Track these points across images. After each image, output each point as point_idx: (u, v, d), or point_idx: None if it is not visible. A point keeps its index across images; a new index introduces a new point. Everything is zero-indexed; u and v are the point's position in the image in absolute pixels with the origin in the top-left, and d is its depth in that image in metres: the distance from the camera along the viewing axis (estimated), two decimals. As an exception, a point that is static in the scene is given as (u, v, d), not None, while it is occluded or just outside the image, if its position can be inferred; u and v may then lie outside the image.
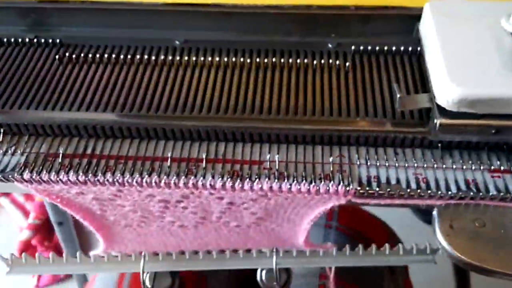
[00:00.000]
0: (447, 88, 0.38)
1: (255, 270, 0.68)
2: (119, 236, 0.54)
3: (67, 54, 0.52)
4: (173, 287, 0.59)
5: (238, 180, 0.42)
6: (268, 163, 0.44)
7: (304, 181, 0.41)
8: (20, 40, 0.54)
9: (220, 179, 0.42)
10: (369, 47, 0.51)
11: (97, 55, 0.52)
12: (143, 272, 0.60)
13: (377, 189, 0.40)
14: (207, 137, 0.46)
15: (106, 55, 0.52)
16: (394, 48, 0.51)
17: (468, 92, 0.36)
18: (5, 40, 0.54)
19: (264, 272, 0.67)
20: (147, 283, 0.58)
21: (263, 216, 0.49)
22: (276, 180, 0.42)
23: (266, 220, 0.50)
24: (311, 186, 0.41)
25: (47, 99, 0.48)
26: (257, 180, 0.42)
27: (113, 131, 0.46)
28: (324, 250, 0.59)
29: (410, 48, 0.51)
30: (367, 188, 0.40)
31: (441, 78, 0.39)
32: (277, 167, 0.43)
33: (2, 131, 0.46)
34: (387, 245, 0.51)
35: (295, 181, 0.41)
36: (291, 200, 0.44)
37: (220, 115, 0.46)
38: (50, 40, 0.54)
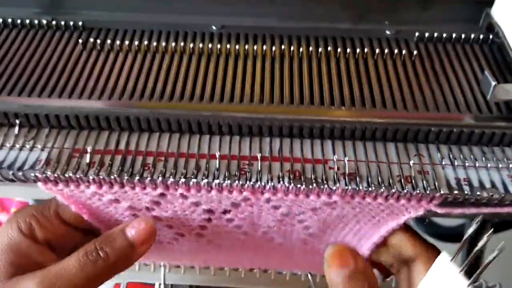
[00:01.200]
0: None
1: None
2: None
3: (91, 39, 0.45)
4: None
5: (303, 183, 0.35)
6: (334, 162, 0.36)
7: (382, 184, 0.34)
8: (36, 22, 0.47)
9: (281, 181, 0.35)
10: (436, 34, 0.45)
11: (126, 42, 0.44)
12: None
13: (477, 194, 0.33)
14: (259, 132, 0.39)
15: (136, 42, 0.44)
16: (463, 35, 0.44)
17: None
18: (18, 21, 0.47)
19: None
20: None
21: (316, 232, 0.41)
22: (349, 183, 0.34)
23: (317, 237, 0.43)
24: (393, 190, 0.34)
25: (71, 86, 0.40)
26: (326, 182, 0.35)
27: (149, 124, 0.39)
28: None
29: (481, 36, 0.44)
30: (465, 193, 0.33)
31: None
32: (346, 168, 0.36)
33: (18, 122, 0.39)
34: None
35: (372, 185, 0.34)
36: (359, 210, 0.37)
37: (275, 105, 0.38)
38: (71, 23, 0.47)
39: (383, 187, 0.34)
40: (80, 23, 0.47)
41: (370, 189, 0.34)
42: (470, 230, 0.32)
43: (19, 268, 0.37)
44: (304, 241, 0.44)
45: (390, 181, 0.35)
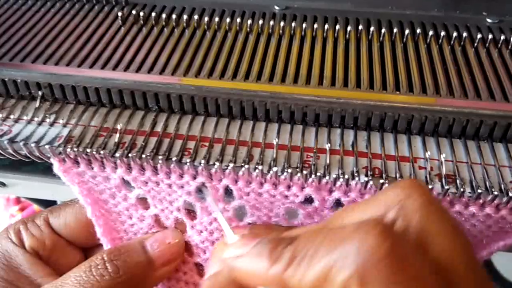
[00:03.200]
0: None
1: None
2: None
3: (133, 12, 0.41)
4: None
5: (386, 181, 0.28)
6: (426, 161, 0.30)
7: (492, 189, 0.28)
8: (74, -6, 0.44)
9: (356, 178, 0.29)
10: (553, 22, 0.39)
11: (173, 16, 0.41)
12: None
13: None
14: (328, 120, 0.33)
15: (185, 17, 0.41)
16: None
17: None
18: (55, -6, 0.44)
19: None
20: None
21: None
22: (447, 185, 0.28)
23: None
24: (510, 195, 0.27)
25: (106, 57, 0.36)
26: (416, 182, 0.28)
27: (193, 104, 0.34)
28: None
29: None
30: None
31: None
32: (443, 168, 0.29)
33: (40, 94, 0.35)
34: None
35: (478, 189, 0.28)
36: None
37: (350, 89, 0.33)
38: (112, -3, 0.44)
39: (495, 193, 0.27)
40: (123, -3, 0.43)
41: (476, 194, 0.28)
42: None
43: (8, 283, 0.32)
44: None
45: (502, 186, 0.28)
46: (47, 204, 0.62)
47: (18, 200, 0.92)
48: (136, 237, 0.34)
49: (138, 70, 0.35)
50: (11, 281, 0.32)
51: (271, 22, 0.39)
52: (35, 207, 0.87)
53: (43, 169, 0.38)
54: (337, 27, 0.39)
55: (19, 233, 0.34)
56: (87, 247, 0.37)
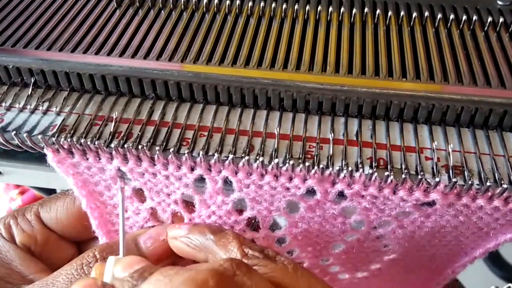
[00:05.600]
0: None
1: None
2: None
3: (128, -5, 0.41)
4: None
5: (391, 173, 0.28)
6: (433, 151, 0.30)
7: (501, 181, 0.27)
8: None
9: (360, 169, 0.29)
10: None
11: (170, -1, 0.40)
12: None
13: None
14: (331, 108, 0.33)
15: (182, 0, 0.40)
16: None
17: None
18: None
19: None
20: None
21: (401, 254, 0.35)
22: (454, 177, 0.28)
23: (402, 262, 0.36)
24: (517, 189, 0.27)
25: (100, 42, 0.36)
26: (423, 174, 0.28)
27: (191, 91, 0.34)
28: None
29: None
30: None
31: None
32: (450, 159, 0.29)
33: (33, 80, 0.34)
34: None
35: (487, 181, 0.27)
36: (463, 220, 0.30)
37: (354, 76, 0.32)
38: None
39: (504, 186, 0.27)
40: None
41: (485, 186, 0.27)
42: None
43: (0, 279, 0.32)
44: (374, 272, 0.38)
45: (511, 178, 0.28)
46: (47, 189, 0.62)
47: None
48: (129, 233, 0.33)
49: (134, 55, 0.35)
50: (3, 277, 0.32)
51: (273, 4, 0.39)
52: (35, 191, 0.87)
53: (39, 157, 0.37)
54: (342, 9, 0.39)
55: (10, 228, 0.34)
56: (80, 241, 0.37)
